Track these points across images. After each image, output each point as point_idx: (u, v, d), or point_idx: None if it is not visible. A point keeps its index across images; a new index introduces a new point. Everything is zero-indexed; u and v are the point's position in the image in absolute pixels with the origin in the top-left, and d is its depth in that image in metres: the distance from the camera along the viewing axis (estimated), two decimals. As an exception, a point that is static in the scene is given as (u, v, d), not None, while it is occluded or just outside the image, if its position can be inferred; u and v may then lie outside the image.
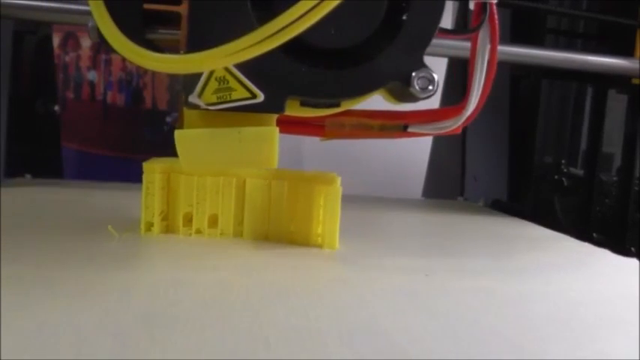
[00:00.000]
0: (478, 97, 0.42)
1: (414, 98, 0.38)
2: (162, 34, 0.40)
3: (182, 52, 0.37)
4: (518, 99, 0.82)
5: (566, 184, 0.81)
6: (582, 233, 0.70)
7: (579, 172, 0.82)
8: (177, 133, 0.39)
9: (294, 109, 0.40)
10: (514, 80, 0.82)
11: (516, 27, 0.79)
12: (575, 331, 0.32)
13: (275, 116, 0.40)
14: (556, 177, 0.82)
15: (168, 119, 1.17)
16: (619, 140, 0.77)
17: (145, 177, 0.46)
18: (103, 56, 1.16)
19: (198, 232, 0.47)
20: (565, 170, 0.82)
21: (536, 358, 0.28)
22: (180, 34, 0.37)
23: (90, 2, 0.34)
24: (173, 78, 1.17)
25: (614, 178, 0.79)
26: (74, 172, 1.11)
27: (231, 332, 0.27)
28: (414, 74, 0.38)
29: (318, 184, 0.46)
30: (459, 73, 0.87)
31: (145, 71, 1.16)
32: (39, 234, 0.44)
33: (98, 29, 0.34)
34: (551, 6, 0.81)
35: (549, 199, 0.82)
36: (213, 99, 0.37)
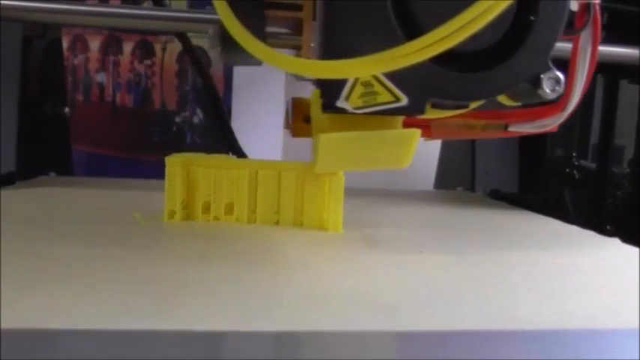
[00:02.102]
0: (580, 95, 0.43)
1: (538, 99, 0.39)
2: (283, 38, 0.41)
3: (301, 55, 0.37)
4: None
5: (577, 176, 0.81)
6: (595, 226, 0.70)
7: (590, 164, 0.81)
8: (323, 137, 0.41)
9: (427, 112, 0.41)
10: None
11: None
12: (556, 298, 0.35)
13: (401, 119, 0.42)
14: (567, 170, 0.81)
15: (177, 119, 1.17)
16: (630, 131, 0.76)
17: (167, 170, 0.50)
18: (111, 58, 1.17)
19: (216, 218, 0.51)
20: (576, 163, 0.82)
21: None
22: (303, 38, 0.38)
23: (215, 4, 0.34)
24: (182, 79, 1.17)
25: (626, 170, 0.78)
26: (84, 173, 1.11)
27: (250, 294, 0.32)
28: (542, 76, 0.38)
29: (323, 174, 0.49)
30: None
31: (153, 72, 1.17)
32: (71, 225, 0.49)
33: (221, 38, 0.35)
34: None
35: (560, 192, 0.81)
36: (359, 103, 0.38)
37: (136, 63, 1.16)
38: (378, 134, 0.41)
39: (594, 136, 0.83)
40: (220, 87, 1.13)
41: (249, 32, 0.34)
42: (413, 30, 0.34)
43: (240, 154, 0.75)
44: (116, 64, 1.17)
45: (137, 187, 0.71)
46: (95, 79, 1.16)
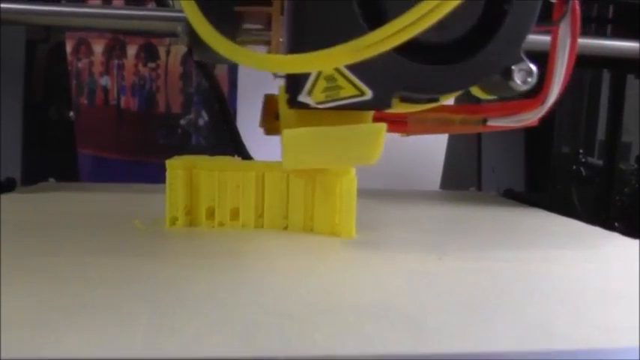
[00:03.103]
0: (559, 89, 0.42)
1: (510, 91, 0.39)
2: (254, 35, 0.40)
3: (270, 51, 0.37)
4: (534, 88, 0.81)
5: (584, 174, 0.80)
6: (604, 223, 0.69)
7: (597, 161, 0.81)
8: (285, 132, 0.40)
9: (394, 106, 0.40)
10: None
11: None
12: (579, 305, 0.33)
13: (371, 114, 0.41)
14: (574, 167, 0.81)
15: (182, 122, 1.17)
16: (637, 128, 0.76)
17: (168, 174, 0.48)
18: (116, 61, 1.17)
19: (221, 224, 0.49)
20: (583, 160, 0.81)
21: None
22: (272, 34, 0.38)
23: (182, 4, 0.34)
24: (186, 81, 1.17)
25: (633, 167, 0.77)
26: (89, 177, 1.11)
27: (258, 309, 0.30)
28: (514, 67, 0.38)
29: (334, 175, 0.47)
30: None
31: (158, 75, 1.17)
32: (68, 231, 0.47)
33: (189, 36, 0.35)
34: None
35: (567, 189, 0.81)
36: (322, 97, 0.38)
37: (140, 66, 1.16)
38: (342, 129, 0.40)
39: (601, 133, 0.83)
40: (225, 88, 1.13)
41: (216, 28, 0.33)
42: (379, 23, 0.33)
43: (246, 155, 0.75)
44: (120, 67, 1.17)
45: (139, 192, 0.68)
46: (99, 82, 1.16)
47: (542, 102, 0.43)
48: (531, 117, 0.44)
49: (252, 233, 0.48)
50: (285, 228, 0.49)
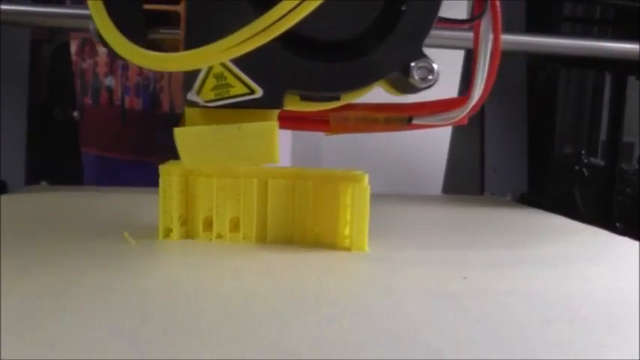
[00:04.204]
0: (482, 86, 0.41)
1: (414, 89, 0.38)
2: (164, 33, 0.40)
3: (181, 50, 0.37)
4: (536, 89, 0.81)
5: (586, 174, 0.80)
6: (605, 223, 0.70)
7: (599, 162, 0.81)
8: (176, 131, 0.38)
9: (294, 104, 0.40)
10: (531, 70, 0.81)
11: (532, 16, 0.78)
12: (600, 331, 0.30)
13: (276, 112, 0.39)
14: (576, 167, 0.81)
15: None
16: (639, 128, 0.76)
17: (161, 180, 0.44)
18: (120, 62, 1.17)
19: (220, 236, 0.44)
20: (585, 160, 0.82)
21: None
22: (180, 33, 0.38)
23: (89, 2, 0.34)
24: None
25: (635, 167, 0.78)
26: (93, 177, 1.11)
27: (259, 344, 0.25)
28: (412, 64, 0.37)
29: (345, 182, 0.43)
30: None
31: (162, 75, 1.17)
32: (54, 240, 0.43)
33: (98, 33, 0.35)
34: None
35: (570, 189, 0.81)
36: (212, 96, 0.37)
37: (141, 65, 1.17)
38: (230, 128, 0.38)
39: (603, 134, 0.83)
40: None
41: (126, 26, 0.33)
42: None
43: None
44: (125, 67, 1.17)
45: (137, 197, 0.64)
46: (104, 82, 1.16)
47: (467, 100, 0.42)
48: (457, 115, 0.43)
49: (254, 247, 0.44)
50: (290, 241, 0.45)
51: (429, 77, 0.37)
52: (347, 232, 0.44)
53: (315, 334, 0.27)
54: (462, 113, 0.43)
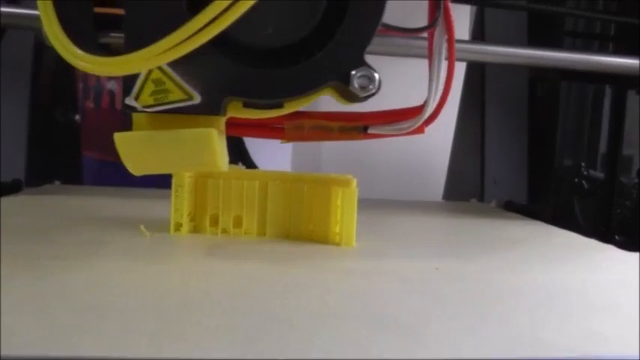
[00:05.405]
0: (438, 96, 0.41)
1: (358, 98, 0.38)
2: (114, 37, 0.40)
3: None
4: (537, 102, 0.81)
5: (586, 186, 0.81)
6: (604, 236, 0.70)
7: (599, 174, 0.81)
8: (116, 136, 0.38)
9: (237, 111, 0.39)
10: (532, 83, 0.81)
11: (533, 30, 0.79)
12: (564, 313, 0.34)
13: (222, 118, 0.39)
14: (576, 180, 0.81)
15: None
16: (638, 141, 0.76)
17: (174, 181, 0.49)
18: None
19: (224, 231, 0.50)
20: (585, 173, 0.82)
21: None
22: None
23: (38, 3, 0.34)
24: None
25: (635, 180, 0.78)
26: (94, 180, 1.12)
27: (259, 315, 0.30)
28: (353, 73, 0.37)
29: (335, 186, 0.48)
30: (478, 76, 0.87)
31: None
32: (73, 235, 0.48)
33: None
34: (568, 8, 0.81)
35: (569, 201, 0.81)
36: (150, 101, 0.37)
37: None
38: (168, 134, 0.38)
39: (603, 146, 0.83)
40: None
41: (77, 28, 0.33)
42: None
43: (250, 164, 0.75)
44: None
45: (144, 197, 0.69)
46: (106, 86, 1.17)
47: (423, 110, 0.42)
48: (412, 125, 0.43)
49: (254, 241, 0.49)
50: (287, 236, 0.50)
51: (370, 87, 0.37)
52: (337, 229, 0.49)
53: (304, 307, 0.32)
54: (418, 123, 0.43)
